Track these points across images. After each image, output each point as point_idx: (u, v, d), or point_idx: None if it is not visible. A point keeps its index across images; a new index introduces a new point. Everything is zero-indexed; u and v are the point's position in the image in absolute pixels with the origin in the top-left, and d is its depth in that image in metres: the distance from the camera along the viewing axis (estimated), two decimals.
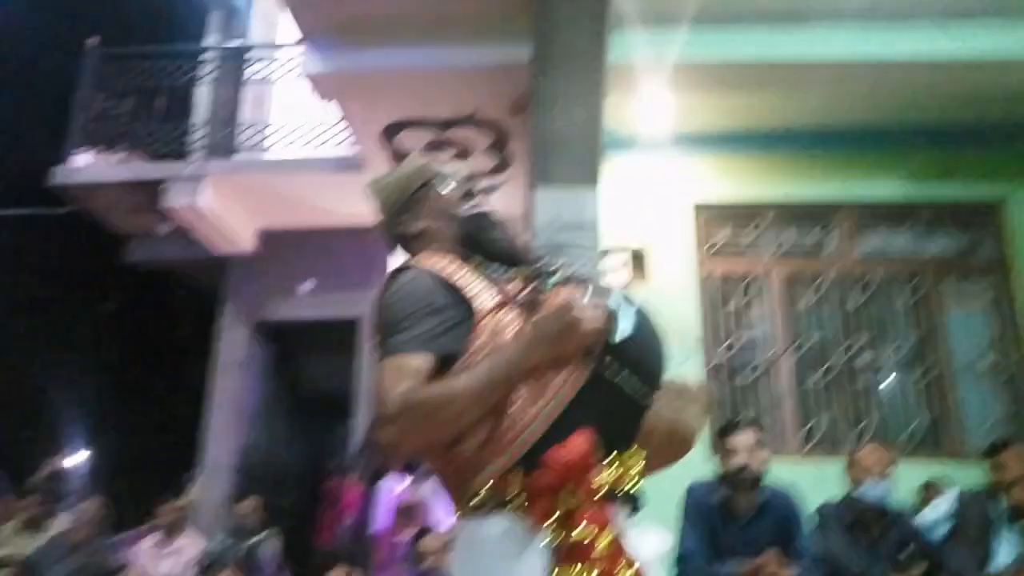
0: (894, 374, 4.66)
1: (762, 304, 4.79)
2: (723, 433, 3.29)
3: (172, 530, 4.83)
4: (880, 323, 4.73)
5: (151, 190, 6.09)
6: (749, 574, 2.90)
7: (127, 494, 6.69)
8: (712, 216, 4.90)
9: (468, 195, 1.51)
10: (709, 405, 1.45)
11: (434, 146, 5.15)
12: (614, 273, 4.55)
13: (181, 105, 6.50)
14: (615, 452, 1.21)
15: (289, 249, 6.74)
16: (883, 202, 4.85)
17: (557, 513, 1.11)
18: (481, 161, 5.18)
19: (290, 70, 6.22)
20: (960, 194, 4.82)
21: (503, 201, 4.84)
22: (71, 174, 6.24)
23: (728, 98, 4.57)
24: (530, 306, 1.26)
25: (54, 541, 4.57)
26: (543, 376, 1.19)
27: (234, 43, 7.28)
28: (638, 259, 4.68)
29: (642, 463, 1.27)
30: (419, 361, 1.19)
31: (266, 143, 6.39)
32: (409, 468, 4.61)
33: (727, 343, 4.68)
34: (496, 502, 1.16)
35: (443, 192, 1.50)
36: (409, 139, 5.30)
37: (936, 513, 3.40)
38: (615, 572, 1.09)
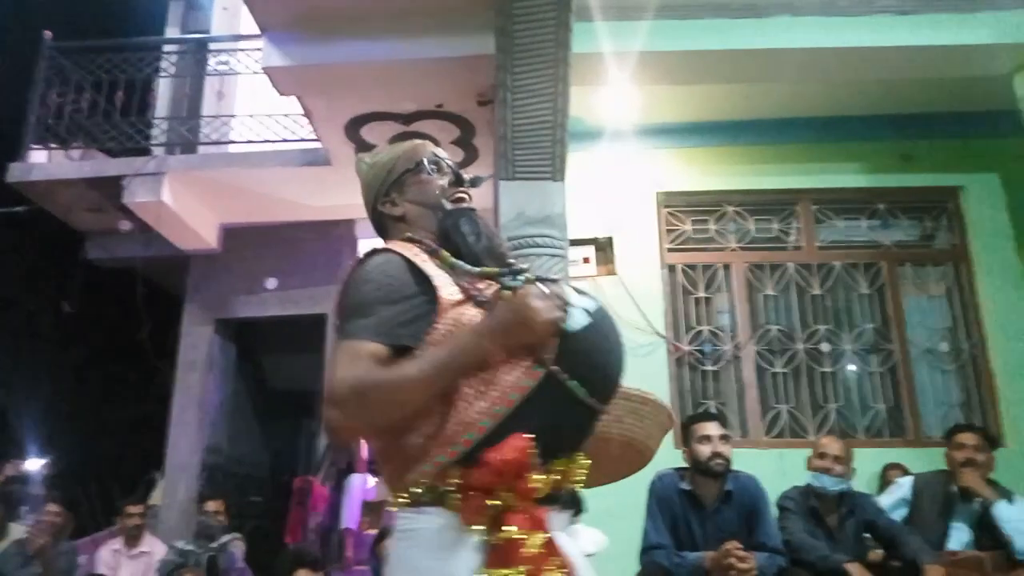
0: (855, 361, 4.74)
1: (725, 293, 4.84)
2: (689, 424, 3.32)
3: (135, 534, 4.76)
4: (840, 311, 4.80)
5: (111, 186, 5.96)
6: (713, 562, 2.93)
7: (89, 498, 6.57)
8: (676, 207, 4.94)
9: (455, 185, 1.46)
10: (670, 425, 1.47)
11: (400, 140, 5.11)
12: (579, 264, 4.56)
13: (141, 99, 6.36)
14: (560, 455, 1.21)
15: (253, 245, 6.66)
16: (843, 191, 4.92)
17: (489, 512, 1.11)
18: (448, 154, 5.15)
19: (254, 62, 6.13)
20: (918, 182, 4.90)
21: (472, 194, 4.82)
22: (28, 171, 6.09)
23: (691, 89, 4.59)
24: (492, 305, 1.24)
25: (13, 548, 4.47)
26: (495, 374, 1.18)
27: (195, 35, 7.15)
28: (603, 250, 4.70)
29: (587, 467, 1.27)
30: (375, 348, 1.19)
31: (229, 137, 6.29)
32: (375, 466, 4.59)
33: (692, 332, 4.72)
34: (433, 496, 1.17)
35: (429, 178, 1.46)
36: (374, 132, 5.26)
37: (893, 497, 3.47)
38: (542, 573, 1.09)
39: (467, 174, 1.50)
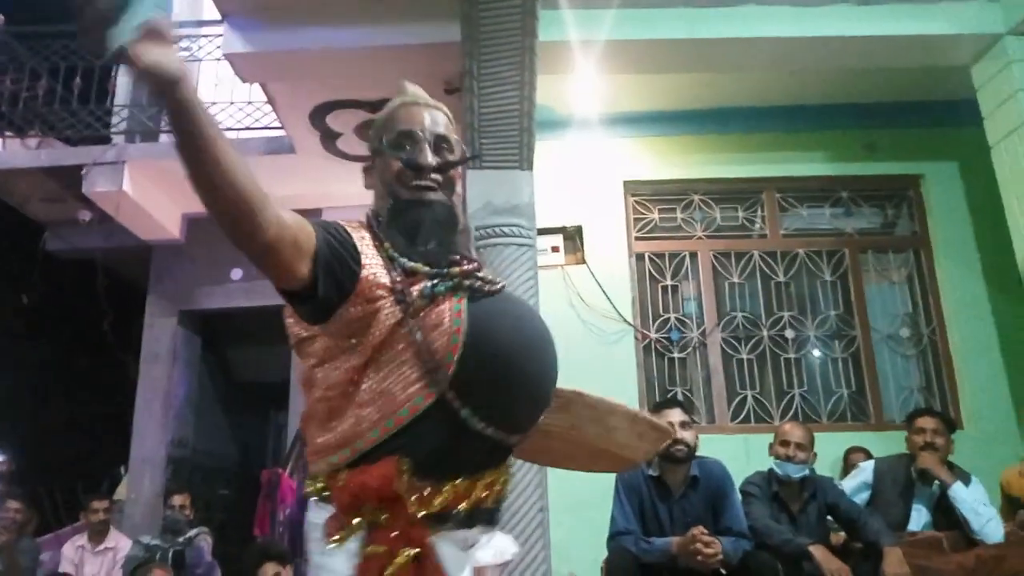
0: (818, 347, 4.82)
1: (692, 281, 4.88)
2: (656, 410, 3.35)
3: (99, 530, 4.68)
4: (804, 298, 4.87)
5: (71, 176, 5.82)
6: (680, 547, 2.97)
7: (52, 494, 6.44)
8: (643, 195, 4.96)
9: (415, 171, 1.31)
10: (661, 447, 1.49)
11: (366, 127, 5.06)
12: (548, 253, 4.56)
13: (100, 86, 6.21)
14: (456, 477, 1.18)
15: (218, 235, 6.39)
16: (806, 179, 4.98)
17: (350, 528, 1.12)
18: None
19: (216, 48, 6.00)
20: (880, 170, 4.98)
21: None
22: None
23: (658, 78, 4.60)
24: (407, 309, 1.19)
25: None
26: (392, 385, 1.17)
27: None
28: (572, 239, 4.70)
29: (501, 484, 1.26)
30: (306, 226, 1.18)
31: None
32: None
33: (659, 320, 4.76)
34: (321, 495, 1.19)
35: (387, 162, 1.34)
36: (339, 120, 5.19)
37: (856, 481, 3.54)
38: None
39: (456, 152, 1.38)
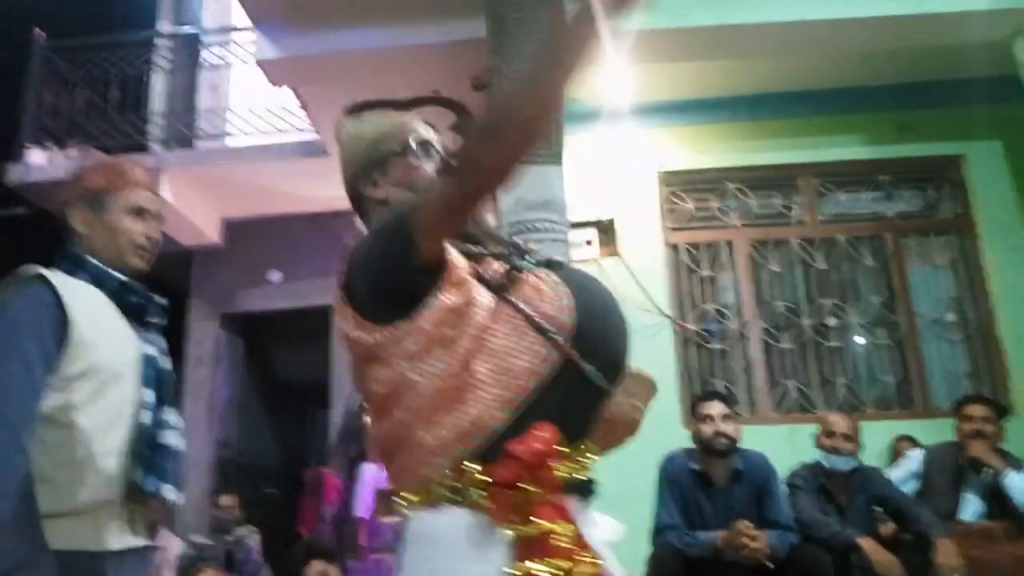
0: (861, 335, 4.73)
1: (729, 271, 4.82)
2: (694, 403, 3.33)
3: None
4: (846, 285, 4.78)
5: None
6: (725, 541, 2.95)
7: None
8: (677, 185, 4.90)
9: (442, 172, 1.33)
10: (654, 395, 1.43)
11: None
12: (582, 247, 4.54)
13: (136, 95, 6.34)
14: (576, 441, 1.16)
15: (256, 238, 6.65)
16: (844, 163, 4.88)
17: (518, 506, 1.06)
18: (446, 141, 5.12)
19: (247, 54, 6.09)
20: (920, 152, 4.86)
21: None
22: (27, 172, 6.07)
23: (688, 66, 4.54)
24: (500, 288, 1.17)
25: None
26: (507, 358, 1.12)
27: (187, 28, 7.09)
28: (605, 232, 4.67)
29: (598, 452, 1.24)
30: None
31: (226, 131, 6.27)
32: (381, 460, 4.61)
33: (696, 311, 4.71)
34: (453, 495, 1.10)
35: (416, 164, 1.35)
36: None
37: (904, 471, 3.47)
38: (575, 564, 1.05)
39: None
